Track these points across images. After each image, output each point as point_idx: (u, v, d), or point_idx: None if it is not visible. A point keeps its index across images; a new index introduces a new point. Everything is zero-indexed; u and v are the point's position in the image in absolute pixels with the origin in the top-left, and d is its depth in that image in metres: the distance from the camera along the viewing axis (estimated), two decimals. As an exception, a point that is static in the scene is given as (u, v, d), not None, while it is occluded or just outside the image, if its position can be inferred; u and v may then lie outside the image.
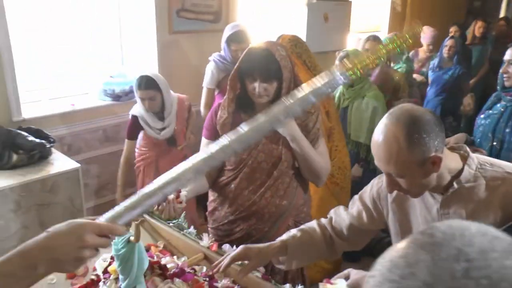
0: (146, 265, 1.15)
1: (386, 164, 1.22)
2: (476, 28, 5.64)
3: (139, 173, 2.99)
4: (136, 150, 2.94)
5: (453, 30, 5.22)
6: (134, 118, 2.84)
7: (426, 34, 5.05)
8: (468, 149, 1.34)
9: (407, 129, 1.16)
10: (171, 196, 1.55)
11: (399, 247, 0.43)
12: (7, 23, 2.70)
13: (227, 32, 3.12)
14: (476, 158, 1.31)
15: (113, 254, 1.16)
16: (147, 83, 2.66)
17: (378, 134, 1.22)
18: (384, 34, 6.13)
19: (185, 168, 0.95)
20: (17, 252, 0.84)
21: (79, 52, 3.47)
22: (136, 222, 1.07)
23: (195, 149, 1.96)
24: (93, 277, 1.34)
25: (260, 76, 1.66)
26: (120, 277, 1.14)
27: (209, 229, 1.97)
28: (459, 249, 0.40)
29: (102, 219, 0.88)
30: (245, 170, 1.80)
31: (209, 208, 1.98)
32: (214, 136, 1.83)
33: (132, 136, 2.90)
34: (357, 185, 2.93)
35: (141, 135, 2.90)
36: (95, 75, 3.54)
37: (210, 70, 3.19)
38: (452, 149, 1.36)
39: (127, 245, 1.08)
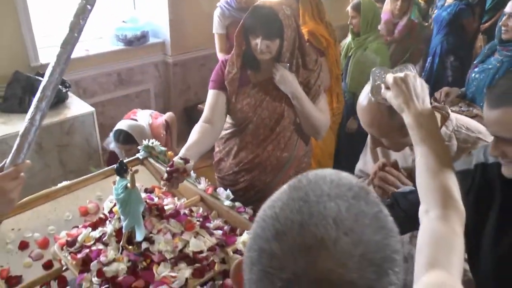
0: (142, 208, 1.34)
1: (369, 127, 1.35)
2: (499, -33, 5.39)
3: None
4: None
5: None
6: (113, 152, 2.79)
7: None
8: (449, 110, 1.44)
9: None
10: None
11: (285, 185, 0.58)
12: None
13: None
14: (456, 120, 1.42)
15: (114, 198, 1.35)
16: (123, 139, 2.61)
17: (363, 99, 1.33)
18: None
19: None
20: None
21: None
22: (131, 172, 1.25)
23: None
24: (101, 215, 1.55)
25: (262, 33, 1.73)
26: (121, 217, 1.34)
27: (216, 177, 2.13)
28: (306, 192, 0.53)
29: (8, 163, 1.11)
30: (250, 126, 1.92)
31: (215, 158, 2.12)
32: (221, 87, 1.89)
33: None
34: (351, 138, 3.09)
35: None
36: (108, 20, 3.63)
37: (216, 16, 3.23)
38: (435, 108, 1.46)
39: (125, 190, 1.27)
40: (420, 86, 1.13)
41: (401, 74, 1.15)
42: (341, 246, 0.48)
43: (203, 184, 1.82)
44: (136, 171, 1.26)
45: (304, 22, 2.69)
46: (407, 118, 1.10)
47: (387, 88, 1.18)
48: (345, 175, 0.57)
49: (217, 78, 1.92)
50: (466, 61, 4.13)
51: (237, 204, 1.71)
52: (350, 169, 3.32)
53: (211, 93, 1.93)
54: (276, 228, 0.51)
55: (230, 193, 1.76)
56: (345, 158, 3.34)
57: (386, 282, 0.49)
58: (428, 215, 0.98)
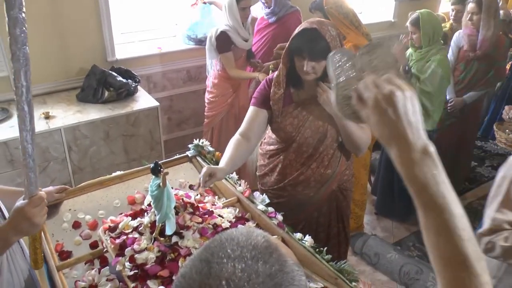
0: (173, 204, 1.46)
1: None
2: None
3: None
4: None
5: None
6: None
7: None
8: None
9: None
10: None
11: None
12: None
13: None
14: None
15: (149, 195, 1.49)
16: None
17: None
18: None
19: None
20: None
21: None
22: (162, 173, 1.37)
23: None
24: (143, 207, 1.70)
25: (308, 54, 1.77)
26: (155, 212, 1.48)
27: (259, 188, 2.20)
28: (212, 253, 0.57)
29: (24, 197, 1.21)
30: (293, 144, 1.97)
31: (259, 171, 2.18)
32: (264, 105, 1.95)
33: None
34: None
35: None
36: (182, 20, 3.84)
37: None
38: None
39: (158, 188, 1.40)
40: (411, 107, 0.74)
41: (384, 84, 0.76)
42: None
43: (242, 186, 1.92)
44: (167, 173, 1.38)
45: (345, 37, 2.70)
46: (398, 166, 0.74)
47: (360, 101, 0.78)
48: (256, 234, 0.61)
49: (260, 96, 1.97)
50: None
51: (270, 209, 1.78)
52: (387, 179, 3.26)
53: (252, 109, 1.98)
54: (182, 286, 0.56)
55: (266, 198, 1.84)
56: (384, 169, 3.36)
57: None
58: None
